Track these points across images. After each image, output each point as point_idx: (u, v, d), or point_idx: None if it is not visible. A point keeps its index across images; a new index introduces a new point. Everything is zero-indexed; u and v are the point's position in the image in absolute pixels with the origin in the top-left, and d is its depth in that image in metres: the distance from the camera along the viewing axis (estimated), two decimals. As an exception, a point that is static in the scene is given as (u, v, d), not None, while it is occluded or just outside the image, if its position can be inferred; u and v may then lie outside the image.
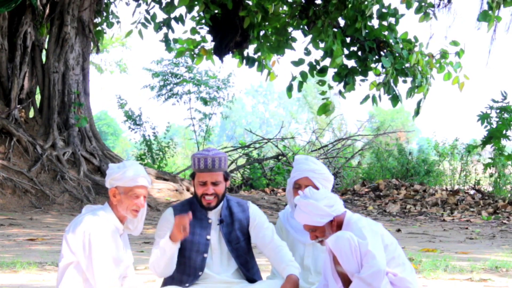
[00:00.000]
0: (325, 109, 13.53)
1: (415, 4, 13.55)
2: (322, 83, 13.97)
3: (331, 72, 14.18)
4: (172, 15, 14.69)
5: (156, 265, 4.48)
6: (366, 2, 13.24)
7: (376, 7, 13.65)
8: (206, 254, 4.53)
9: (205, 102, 22.76)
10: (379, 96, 13.83)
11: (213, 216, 4.59)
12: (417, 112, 14.23)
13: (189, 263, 4.53)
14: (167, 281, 4.61)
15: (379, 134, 23.02)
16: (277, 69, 14.96)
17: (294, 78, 13.89)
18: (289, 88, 13.99)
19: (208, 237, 4.55)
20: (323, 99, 13.76)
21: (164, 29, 14.75)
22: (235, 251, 4.57)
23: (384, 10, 13.84)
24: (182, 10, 14.91)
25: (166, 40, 14.78)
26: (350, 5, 13.15)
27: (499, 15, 13.27)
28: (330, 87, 13.93)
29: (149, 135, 22.13)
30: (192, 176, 4.58)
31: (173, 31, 14.80)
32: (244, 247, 4.61)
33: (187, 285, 4.52)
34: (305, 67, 13.98)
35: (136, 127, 22.29)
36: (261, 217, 4.66)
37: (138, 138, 22.70)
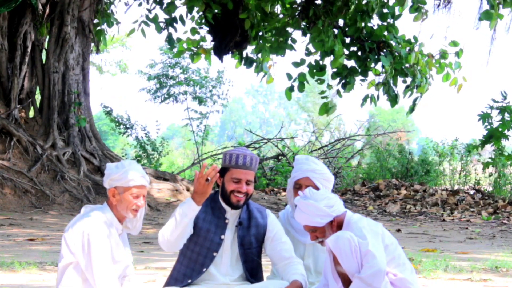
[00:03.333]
0: (326, 108, 13.52)
1: (409, 3, 13.49)
2: (320, 81, 13.96)
3: (330, 71, 14.16)
4: (173, 15, 14.66)
5: (169, 234, 4.36)
6: (369, 2, 13.20)
7: (377, 7, 13.60)
8: (216, 253, 4.53)
9: (200, 100, 22.78)
10: (377, 96, 13.81)
11: (231, 217, 4.57)
12: (411, 109, 14.22)
13: (196, 258, 4.53)
14: (170, 280, 4.60)
15: (379, 134, 23.01)
16: (275, 72, 14.91)
17: (294, 80, 13.83)
18: (291, 89, 13.85)
19: (222, 237, 4.53)
20: (322, 97, 13.75)
21: (168, 29, 14.73)
22: (245, 255, 4.56)
23: (385, 10, 13.80)
24: (182, 10, 14.91)
25: (170, 39, 14.75)
26: (353, 6, 13.11)
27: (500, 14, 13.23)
28: (329, 87, 13.90)
29: (142, 137, 22.13)
30: (221, 172, 4.51)
31: (176, 30, 14.78)
32: (255, 254, 4.61)
33: (189, 281, 4.52)
34: (304, 68, 13.96)
35: (128, 131, 22.25)
36: (279, 229, 4.64)
37: (132, 142, 22.73)
